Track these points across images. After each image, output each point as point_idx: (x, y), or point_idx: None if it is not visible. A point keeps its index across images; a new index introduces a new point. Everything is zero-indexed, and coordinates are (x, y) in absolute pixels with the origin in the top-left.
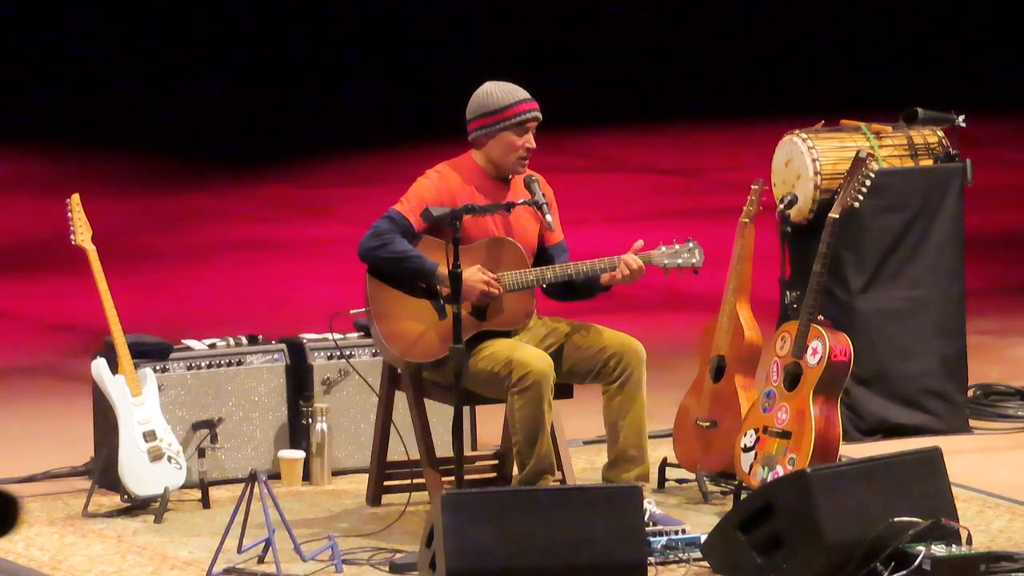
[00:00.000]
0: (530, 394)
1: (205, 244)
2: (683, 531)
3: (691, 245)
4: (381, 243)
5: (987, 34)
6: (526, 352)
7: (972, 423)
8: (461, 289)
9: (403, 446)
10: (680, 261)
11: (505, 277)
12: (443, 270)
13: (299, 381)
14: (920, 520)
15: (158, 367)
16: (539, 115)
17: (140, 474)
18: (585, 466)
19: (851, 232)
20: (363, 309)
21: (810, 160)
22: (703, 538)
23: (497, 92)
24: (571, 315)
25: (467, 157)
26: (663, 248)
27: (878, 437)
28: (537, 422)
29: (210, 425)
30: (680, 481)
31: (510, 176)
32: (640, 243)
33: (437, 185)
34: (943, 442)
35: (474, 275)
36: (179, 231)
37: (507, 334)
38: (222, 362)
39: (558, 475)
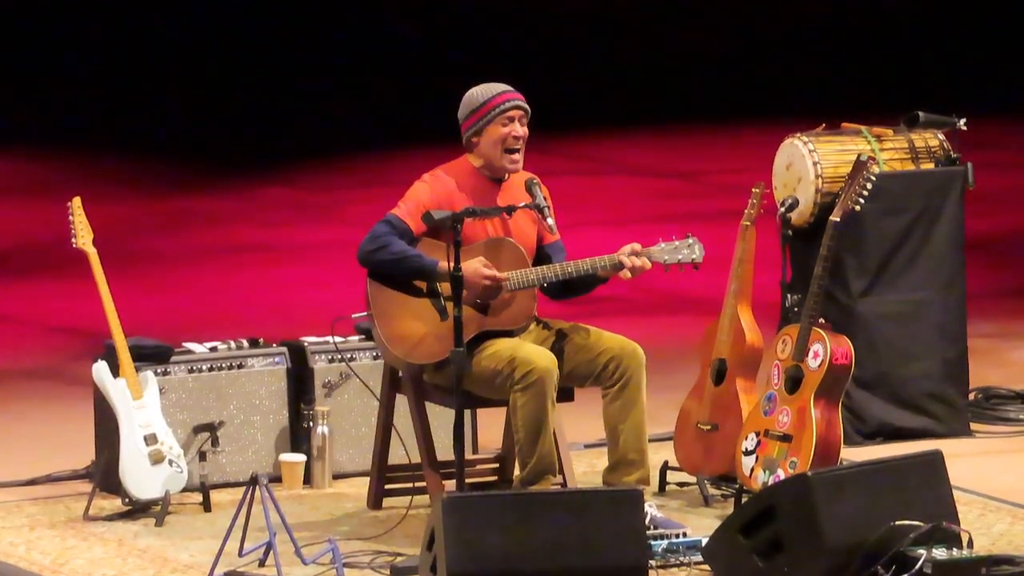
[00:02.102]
0: (533, 391)
1: (206, 247)
2: (684, 534)
3: (690, 241)
4: (379, 246)
5: (988, 37)
6: (529, 349)
7: (973, 426)
8: (462, 292)
9: (404, 449)
10: (680, 257)
11: (507, 276)
12: (444, 266)
13: (300, 384)
14: (921, 524)
15: (159, 370)
16: (523, 104)
17: (141, 477)
18: (586, 470)
19: (852, 235)
20: (364, 312)
21: (811, 163)
22: (704, 541)
23: (479, 91)
24: (571, 317)
25: (463, 160)
26: (663, 244)
27: (879, 440)
28: (540, 420)
29: (211, 428)
30: (681, 484)
31: (506, 176)
32: (637, 247)
33: (433, 188)
34: (944, 445)
35: (475, 266)
36: (180, 234)
37: (509, 334)
38: (223, 365)
39: (559, 478)
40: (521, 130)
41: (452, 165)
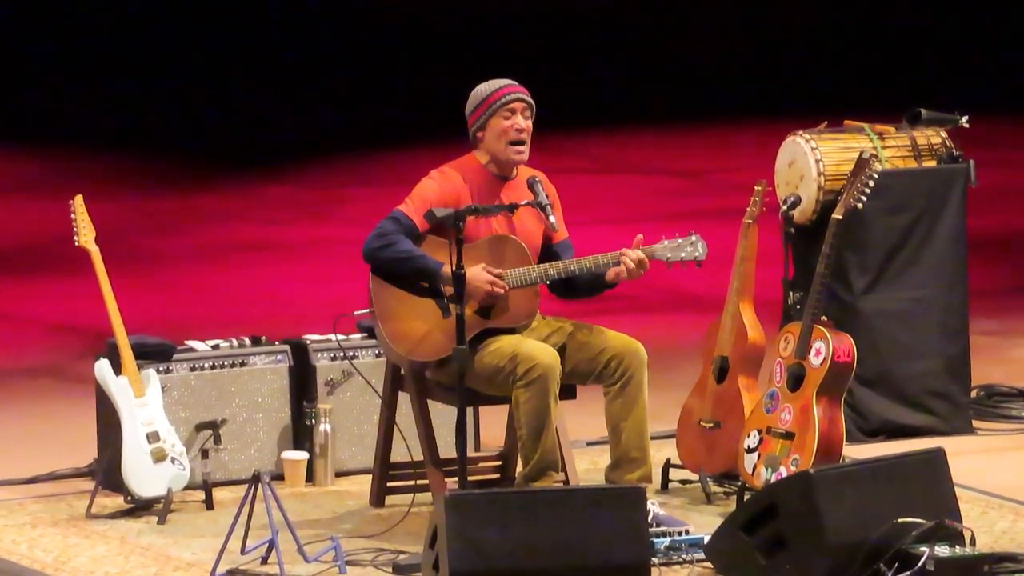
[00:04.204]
0: (536, 387)
1: (208, 245)
2: (686, 532)
3: (693, 238)
4: (385, 244)
5: (991, 33)
6: (532, 346)
7: (975, 424)
8: (464, 290)
9: (406, 447)
10: (683, 255)
11: (509, 274)
12: (447, 270)
13: (302, 382)
14: (924, 521)
15: (161, 368)
16: (525, 97)
17: (143, 475)
18: (588, 467)
19: (854, 233)
20: (367, 310)
21: (813, 161)
22: (706, 539)
23: (483, 87)
24: (574, 315)
25: (470, 157)
26: (665, 242)
27: (881, 438)
28: (543, 416)
29: (213, 426)
30: (684, 482)
31: (513, 173)
32: (640, 237)
33: (440, 185)
34: (946, 443)
35: (479, 275)
36: (182, 232)
37: (512, 331)
38: (225, 363)
39: (561, 475)
40: (524, 122)
41: (459, 162)
